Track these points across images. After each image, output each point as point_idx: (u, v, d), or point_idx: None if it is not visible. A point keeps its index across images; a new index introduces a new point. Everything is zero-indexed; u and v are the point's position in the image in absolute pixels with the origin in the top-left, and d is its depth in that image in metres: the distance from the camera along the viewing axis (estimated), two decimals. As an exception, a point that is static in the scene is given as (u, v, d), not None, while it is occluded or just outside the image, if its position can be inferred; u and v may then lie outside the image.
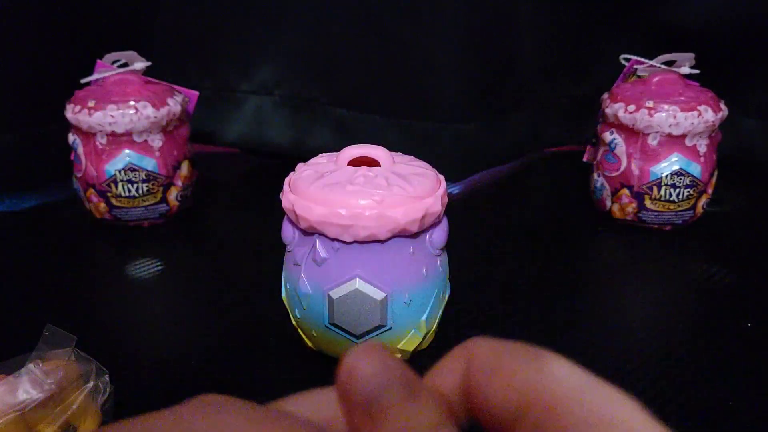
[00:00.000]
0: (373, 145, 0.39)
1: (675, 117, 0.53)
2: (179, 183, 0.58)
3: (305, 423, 0.16)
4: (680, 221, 0.57)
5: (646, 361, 0.41)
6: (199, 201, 0.63)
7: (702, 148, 0.54)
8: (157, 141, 0.56)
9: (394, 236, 0.36)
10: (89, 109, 0.54)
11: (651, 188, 0.55)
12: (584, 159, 0.63)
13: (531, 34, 0.66)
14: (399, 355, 0.39)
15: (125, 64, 0.58)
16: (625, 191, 0.56)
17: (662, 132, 0.53)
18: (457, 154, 0.65)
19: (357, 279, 0.37)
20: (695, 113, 0.53)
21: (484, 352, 0.17)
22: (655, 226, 0.57)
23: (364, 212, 0.35)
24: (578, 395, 0.15)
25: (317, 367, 0.40)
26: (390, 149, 0.40)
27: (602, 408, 0.15)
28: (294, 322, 0.41)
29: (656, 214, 0.56)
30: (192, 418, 0.15)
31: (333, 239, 0.36)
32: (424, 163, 0.40)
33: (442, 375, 0.17)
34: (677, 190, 0.55)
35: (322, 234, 0.36)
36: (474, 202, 0.66)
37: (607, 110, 0.56)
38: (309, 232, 0.37)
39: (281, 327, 0.43)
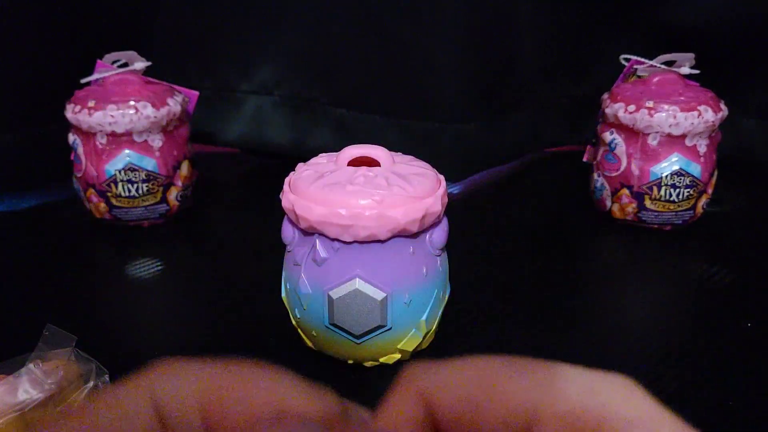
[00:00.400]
0: (373, 145, 0.39)
1: (675, 117, 0.53)
2: (179, 183, 0.58)
3: (264, 374, 0.16)
4: (680, 221, 0.57)
5: (646, 361, 0.41)
6: (199, 201, 0.63)
7: (702, 148, 0.54)
8: (157, 141, 0.56)
9: (394, 236, 0.36)
10: (89, 109, 0.54)
11: (651, 188, 0.55)
12: (584, 159, 0.63)
13: (531, 34, 0.66)
14: (399, 356, 0.39)
15: (125, 64, 0.58)
16: (625, 191, 0.56)
17: (662, 132, 0.53)
18: (457, 154, 0.65)
19: (357, 279, 0.37)
20: (695, 113, 0.53)
21: (447, 394, 0.15)
22: (655, 226, 0.57)
23: (364, 212, 0.35)
24: (588, 396, 0.15)
25: (317, 367, 0.40)
26: (390, 149, 0.40)
27: (614, 408, 0.15)
28: (294, 322, 0.41)
29: (656, 214, 0.56)
30: (152, 385, 0.16)
31: (333, 239, 0.36)
32: (424, 163, 0.40)
33: (397, 422, 0.16)
34: (677, 190, 0.55)
35: (322, 234, 0.36)
36: (474, 202, 0.66)
37: (607, 110, 0.56)
38: (309, 232, 0.37)
39: (281, 327, 0.43)
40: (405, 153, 0.41)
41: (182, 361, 0.17)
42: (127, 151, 0.55)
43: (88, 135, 0.55)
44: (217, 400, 0.16)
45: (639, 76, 0.59)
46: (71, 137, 0.57)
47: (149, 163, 0.55)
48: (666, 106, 0.53)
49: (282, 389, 0.16)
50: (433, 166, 0.40)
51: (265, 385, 0.17)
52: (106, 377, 0.34)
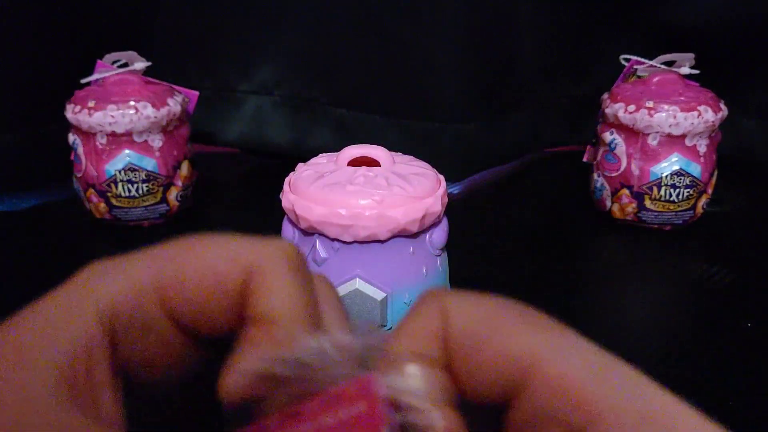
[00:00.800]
0: (373, 145, 0.39)
1: (675, 117, 0.53)
2: (179, 183, 0.58)
3: (223, 239, 0.17)
4: (680, 221, 0.57)
5: (646, 361, 0.40)
6: (199, 201, 0.63)
7: (702, 148, 0.54)
8: (157, 141, 0.56)
9: (394, 236, 0.36)
10: (89, 109, 0.54)
11: (651, 188, 0.55)
12: (584, 159, 0.63)
13: (531, 34, 0.66)
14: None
15: (125, 64, 0.58)
16: (625, 191, 0.56)
17: (662, 132, 0.53)
18: (457, 154, 0.65)
19: (357, 279, 0.37)
20: (695, 113, 0.53)
21: (463, 317, 0.15)
22: (655, 226, 0.57)
23: (364, 212, 0.35)
24: (592, 378, 0.14)
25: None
26: (390, 149, 0.40)
27: (624, 396, 0.13)
28: (294, 322, 0.41)
29: (656, 214, 0.56)
30: (93, 288, 0.16)
31: (333, 239, 0.36)
32: (424, 163, 0.40)
33: (418, 341, 0.15)
34: (677, 190, 0.55)
35: (322, 234, 0.36)
36: (474, 202, 0.66)
37: (607, 110, 0.56)
38: (309, 232, 0.37)
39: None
40: (405, 153, 0.41)
41: (131, 257, 0.16)
42: (127, 151, 0.55)
43: (88, 135, 0.55)
44: (176, 280, 0.16)
45: (639, 76, 0.59)
46: (71, 137, 0.57)
47: (149, 163, 0.55)
48: (666, 106, 0.53)
49: (244, 248, 0.16)
50: (433, 166, 0.40)
51: (225, 249, 0.16)
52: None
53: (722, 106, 0.55)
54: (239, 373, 0.15)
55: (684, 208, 0.56)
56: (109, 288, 0.16)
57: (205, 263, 0.16)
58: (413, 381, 0.15)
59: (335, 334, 0.15)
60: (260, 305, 0.16)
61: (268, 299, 0.16)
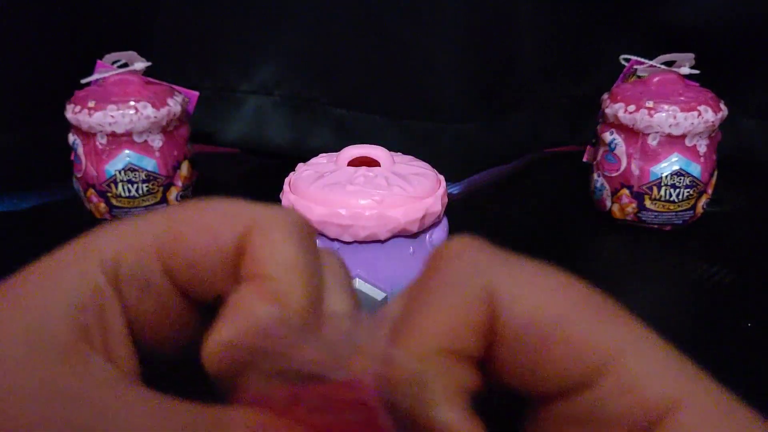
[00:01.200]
0: (373, 145, 0.39)
1: (675, 117, 0.53)
2: (179, 183, 0.58)
3: (225, 204, 0.16)
4: (680, 221, 0.57)
5: (646, 361, 0.41)
6: (199, 201, 0.62)
7: (702, 148, 0.54)
8: (157, 141, 0.56)
9: (394, 236, 0.36)
10: (89, 109, 0.54)
11: (651, 188, 0.55)
12: (584, 159, 0.63)
13: (531, 34, 0.66)
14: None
15: (125, 64, 0.58)
16: (625, 191, 0.56)
17: (662, 132, 0.53)
18: (457, 154, 0.65)
19: (357, 279, 0.37)
20: (695, 113, 0.53)
21: (522, 307, 0.13)
22: (655, 226, 0.57)
23: (364, 212, 0.35)
24: (666, 374, 0.12)
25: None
26: (390, 149, 0.40)
27: (700, 390, 0.12)
28: (294, 322, 0.41)
29: (656, 214, 0.56)
30: (98, 245, 0.15)
31: (333, 239, 0.36)
32: (424, 163, 0.40)
33: (452, 336, 0.13)
34: (677, 190, 0.55)
35: (322, 234, 0.36)
36: (474, 202, 0.66)
37: (607, 110, 0.56)
38: (309, 232, 0.37)
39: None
40: (405, 153, 0.41)
41: (135, 218, 0.16)
42: (127, 151, 0.55)
43: (88, 135, 0.55)
44: (174, 238, 0.15)
45: (639, 76, 0.59)
46: (71, 137, 0.57)
47: (149, 164, 0.55)
48: (666, 106, 0.53)
49: (245, 208, 0.16)
50: (433, 166, 0.40)
51: (225, 208, 0.16)
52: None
53: (722, 106, 0.55)
54: (219, 343, 0.15)
55: (684, 208, 0.56)
56: (112, 244, 0.15)
57: (203, 220, 0.16)
58: (428, 393, 0.13)
59: (334, 314, 0.15)
60: (255, 262, 0.15)
61: (264, 256, 0.15)
